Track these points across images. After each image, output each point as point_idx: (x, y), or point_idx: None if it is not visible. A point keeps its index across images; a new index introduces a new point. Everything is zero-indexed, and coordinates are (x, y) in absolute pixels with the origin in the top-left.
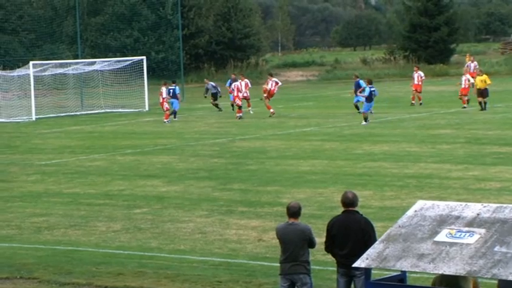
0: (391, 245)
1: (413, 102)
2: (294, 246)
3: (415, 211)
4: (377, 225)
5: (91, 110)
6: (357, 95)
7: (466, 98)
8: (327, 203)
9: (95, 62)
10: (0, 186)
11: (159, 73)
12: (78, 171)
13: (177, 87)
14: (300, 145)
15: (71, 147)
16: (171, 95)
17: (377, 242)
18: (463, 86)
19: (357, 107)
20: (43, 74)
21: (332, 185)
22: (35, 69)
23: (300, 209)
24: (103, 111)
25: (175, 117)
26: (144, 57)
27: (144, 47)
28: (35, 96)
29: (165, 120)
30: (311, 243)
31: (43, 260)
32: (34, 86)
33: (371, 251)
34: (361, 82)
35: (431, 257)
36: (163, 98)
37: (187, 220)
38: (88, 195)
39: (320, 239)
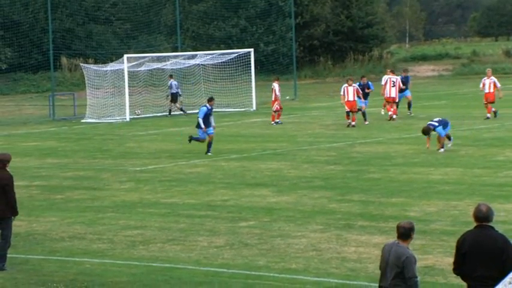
0: None
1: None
2: (389, 270)
3: None
4: None
5: (191, 110)
6: None
7: None
8: (461, 217)
9: (196, 55)
10: (90, 195)
11: (268, 67)
12: (177, 179)
13: (369, 83)
14: (430, 150)
15: (168, 152)
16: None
17: None
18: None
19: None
20: (138, 69)
21: (468, 197)
22: (130, 64)
23: (410, 229)
24: None
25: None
26: (251, 50)
27: (252, 37)
28: (129, 94)
29: (277, 121)
30: (404, 273)
31: (137, 278)
32: (128, 83)
33: None
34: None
35: None
36: (276, 96)
37: (300, 235)
38: (188, 206)
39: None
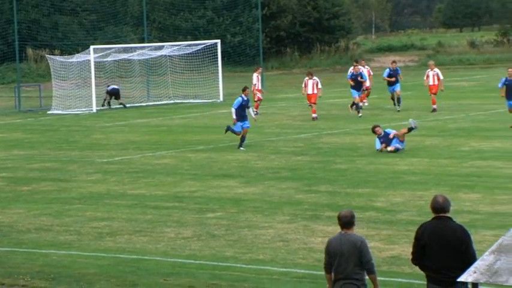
0: (504, 257)
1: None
2: (345, 260)
3: None
4: (487, 234)
5: (158, 101)
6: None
7: None
8: (427, 207)
9: (163, 46)
10: (57, 187)
11: (235, 58)
12: (144, 170)
13: (362, 73)
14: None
15: (135, 143)
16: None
17: (486, 253)
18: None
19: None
20: (105, 60)
21: (434, 187)
22: (96, 55)
23: (352, 217)
24: (172, 102)
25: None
26: (218, 41)
27: (219, 28)
28: (96, 85)
29: (255, 111)
30: (361, 259)
31: (105, 270)
32: (95, 74)
33: (480, 264)
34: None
35: None
36: (253, 85)
37: (267, 226)
38: (155, 197)
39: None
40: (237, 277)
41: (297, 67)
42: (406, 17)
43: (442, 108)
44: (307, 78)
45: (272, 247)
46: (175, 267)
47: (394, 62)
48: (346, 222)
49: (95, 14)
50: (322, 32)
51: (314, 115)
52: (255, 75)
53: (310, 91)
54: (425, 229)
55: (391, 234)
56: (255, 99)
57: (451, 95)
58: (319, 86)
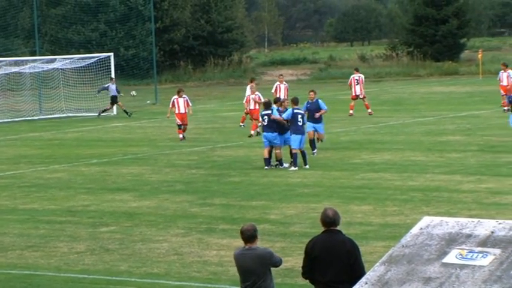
0: (394, 268)
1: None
2: (254, 274)
3: (421, 229)
4: (378, 245)
5: (51, 114)
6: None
7: None
8: None
9: (55, 59)
10: None
11: (128, 72)
12: (36, 184)
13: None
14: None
15: (27, 157)
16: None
17: (377, 264)
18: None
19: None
20: None
21: (326, 199)
22: None
23: (255, 231)
24: (64, 115)
25: None
26: (111, 54)
27: (112, 42)
28: None
29: (241, 124)
30: (275, 266)
31: None
32: None
33: (371, 275)
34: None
35: (439, 281)
36: (247, 97)
37: (162, 240)
38: (47, 212)
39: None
40: None
41: (191, 80)
42: (298, 31)
43: (334, 121)
44: (176, 96)
45: (167, 261)
46: (68, 283)
47: (312, 91)
48: (249, 236)
49: None
50: (216, 46)
51: (180, 135)
52: (249, 87)
53: (182, 110)
54: (315, 243)
55: (284, 246)
56: (246, 113)
57: (342, 108)
58: (190, 103)
